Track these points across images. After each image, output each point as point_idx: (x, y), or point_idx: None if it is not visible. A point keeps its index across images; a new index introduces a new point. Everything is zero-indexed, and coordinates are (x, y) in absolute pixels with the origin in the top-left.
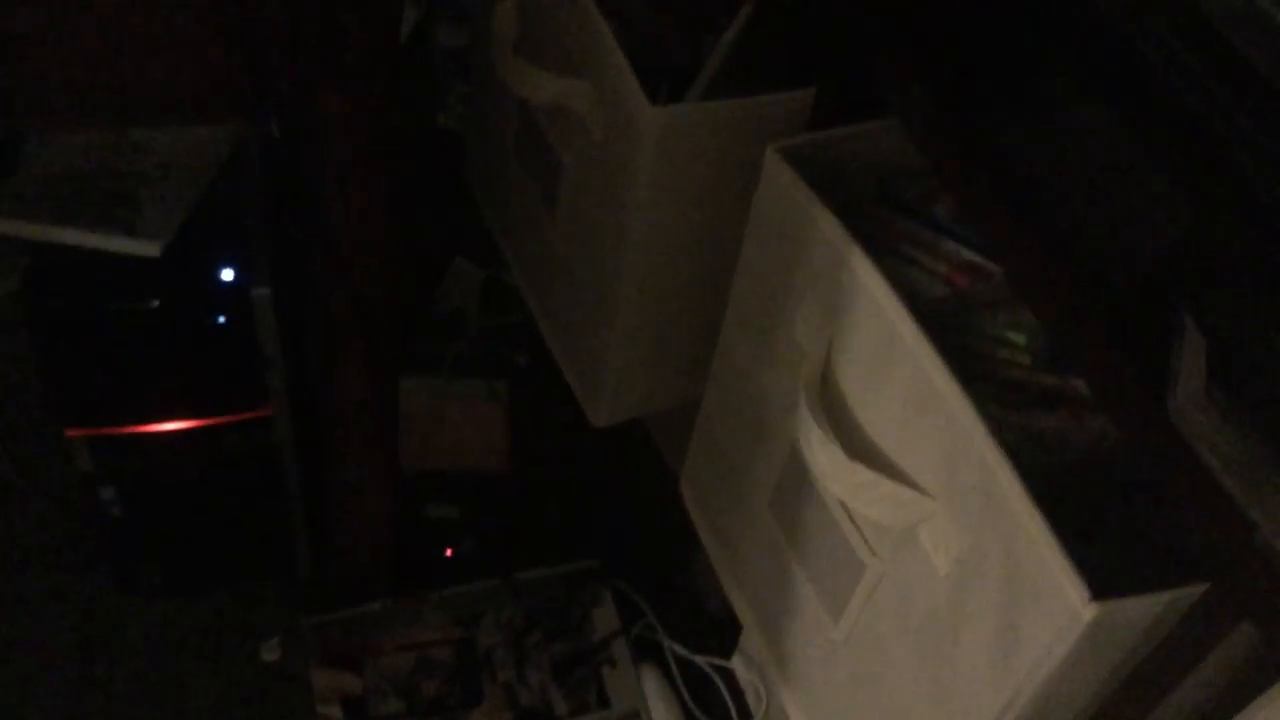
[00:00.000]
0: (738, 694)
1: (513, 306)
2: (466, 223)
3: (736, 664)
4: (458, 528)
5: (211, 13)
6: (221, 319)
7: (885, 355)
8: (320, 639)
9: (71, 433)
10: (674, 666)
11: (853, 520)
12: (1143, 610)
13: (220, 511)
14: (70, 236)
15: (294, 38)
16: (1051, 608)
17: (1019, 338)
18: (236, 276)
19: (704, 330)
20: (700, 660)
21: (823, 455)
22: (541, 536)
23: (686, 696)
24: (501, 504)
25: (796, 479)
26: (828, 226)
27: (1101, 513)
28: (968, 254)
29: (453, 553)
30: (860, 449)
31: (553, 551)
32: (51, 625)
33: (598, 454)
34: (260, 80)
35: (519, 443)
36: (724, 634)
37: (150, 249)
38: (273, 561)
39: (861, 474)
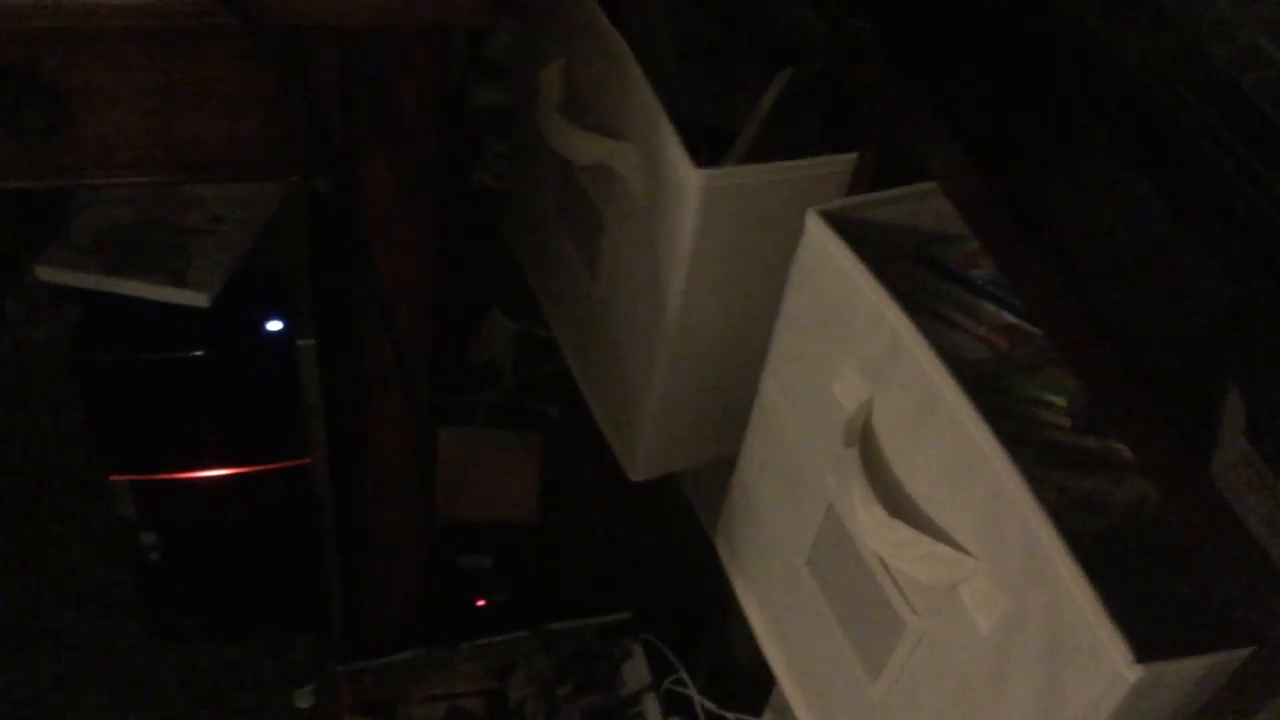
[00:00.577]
0: None
1: (546, 359)
2: (502, 276)
3: None
4: (489, 578)
5: (270, 72)
6: (266, 368)
7: (926, 415)
8: (352, 687)
9: (115, 478)
10: None
11: (893, 578)
12: (1187, 673)
13: (257, 558)
14: (122, 286)
15: (346, 97)
16: (1095, 670)
17: (1059, 399)
18: (282, 327)
19: (741, 387)
20: (731, 716)
21: (863, 513)
22: (573, 588)
23: None
24: (533, 555)
25: (835, 536)
26: (870, 288)
27: (1143, 575)
28: (1007, 316)
29: (484, 603)
30: (900, 507)
31: (584, 604)
32: (86, 669)
33: (629, 507)
34: (314, 138)
35: (551, 494)
36: (755, 689)
37: (199, 299)
38: (306, 609)
39: (903, 532)
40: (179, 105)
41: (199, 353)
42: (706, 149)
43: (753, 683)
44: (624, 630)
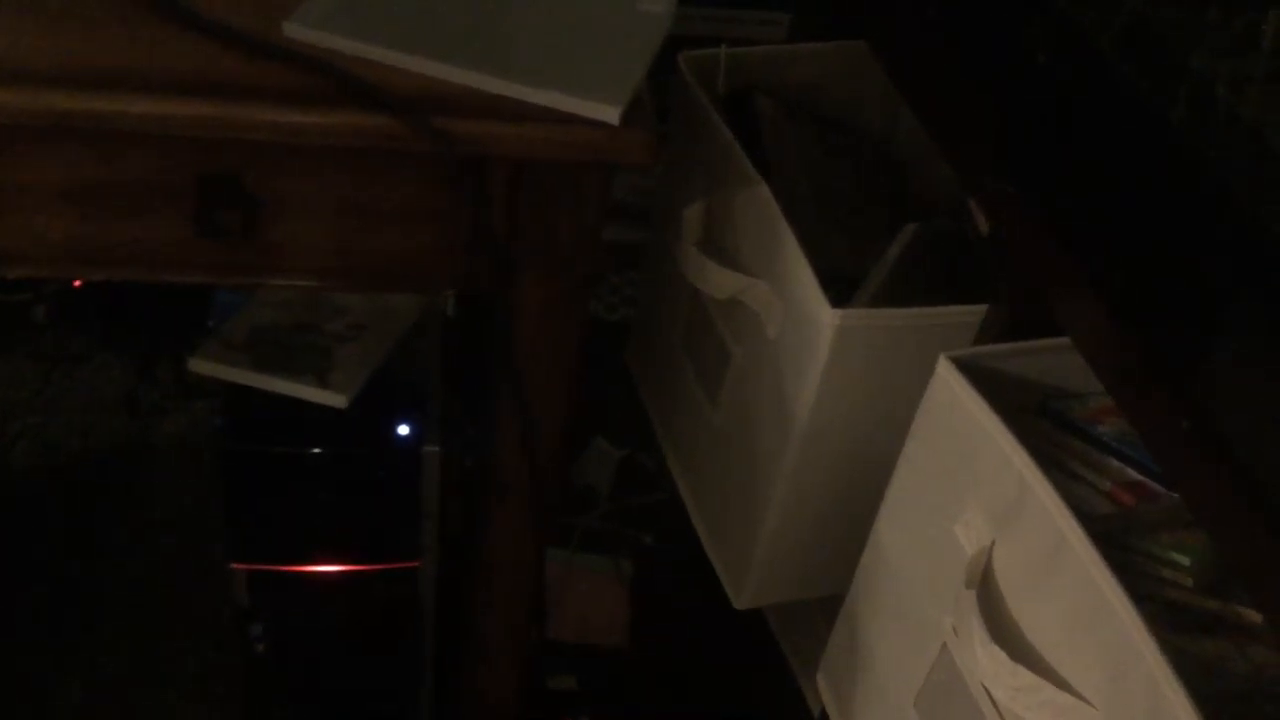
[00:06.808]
0: None
1: (644, 489)
2: (608, 404)
3: None
4: (574, 700)
5: (446, 192)
6: (392, 471)
7: (1052, 564)
8: None
9: (237, 566)
10: None
11: None
12: None
13: (355, 656)
14: (268, 383)
15: (513, 218)
16: None
17: (1183, 559)
18: (410, 432)
19: (855, 523)
20: None
21: (983, 655)
22: (655, 718)
23: None
24: (618, 681)
25: (946, 677)
26: (999, 434)
27: None
28: (1132, 474)
29: None
30: (1018, 652)
31: None
32: None
33: (716, 640)
34: (478, 253)
35: (639, 622)
36: None
37: (338, 400)
38: (395, 711)
39: (1024, 676)
40: (361, 218)
41: (334, 451)
42: (831, 292)
43: None
44: None
